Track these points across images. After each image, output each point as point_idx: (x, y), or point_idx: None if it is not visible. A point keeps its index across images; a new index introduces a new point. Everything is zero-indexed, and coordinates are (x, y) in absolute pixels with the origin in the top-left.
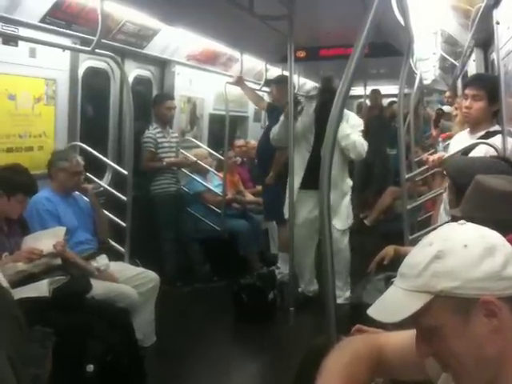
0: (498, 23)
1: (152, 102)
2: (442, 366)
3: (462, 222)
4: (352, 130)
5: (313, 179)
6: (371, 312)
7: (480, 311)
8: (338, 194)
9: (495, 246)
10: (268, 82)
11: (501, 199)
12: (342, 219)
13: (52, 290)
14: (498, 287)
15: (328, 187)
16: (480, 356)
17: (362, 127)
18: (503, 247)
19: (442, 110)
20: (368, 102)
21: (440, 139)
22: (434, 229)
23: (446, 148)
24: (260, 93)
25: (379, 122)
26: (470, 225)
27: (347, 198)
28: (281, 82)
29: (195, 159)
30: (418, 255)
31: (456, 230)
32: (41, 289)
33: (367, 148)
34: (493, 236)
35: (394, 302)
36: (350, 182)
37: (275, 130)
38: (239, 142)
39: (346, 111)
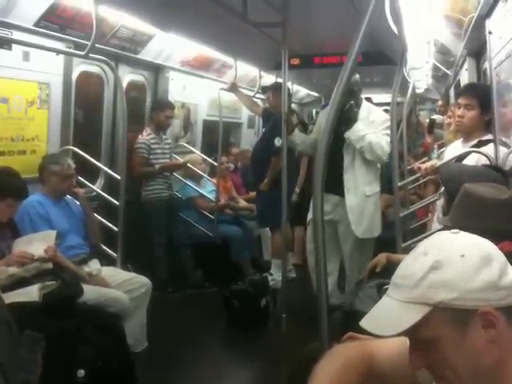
0: (490, 33)
1: (150, 108)
2: (436, 378)
3: (455, 230)
4: (370, 128)
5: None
6: (366, 325)
7: (478, 322)
8: (359, 198)
9: (491, 256)
10: (264, 89)
11: (490, 208)
12: (363, 226)
13: (42, 295)
14: (495, 297)
15: (321, 190)
16: (477, 366)
17: (386, 124)
18: (497, 256)
19: (433, 119)
20: None
21: (435, 146)
22: (427, 236)
23: (439, 156)
24: (254, 99)
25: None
26: (463, 233)
27: (371, 203)
28: (278, 89)
29: (184, 161)
30: (412, 265)
31: (451, 240)
32: (31, 294)
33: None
34: (487, 245)
35: (390, 314)
36: (376, 187)
37: (297, 140)
38: (236, 150)
39: (369, 106)
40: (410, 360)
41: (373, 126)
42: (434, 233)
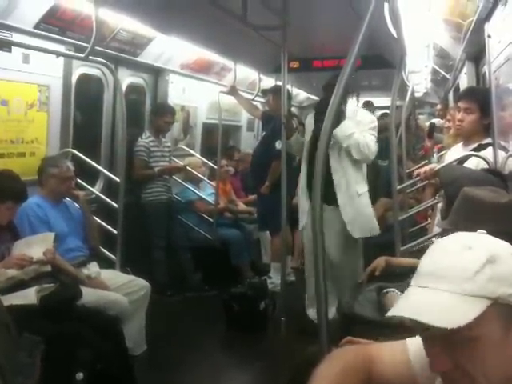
0: (489, 37)
1: (151, 111)
2: (452, 381)
3: (481, 231)
4: (358, 127)
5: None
6: (413, 315)
7: None
8: (348, 197)
9: None
10: (264, 92)
11: (490, 211)
12: (357, 225)
13: (40, 298)
14: None
15: (320, 196)
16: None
17: (372, 124)
18: None
19: (433, 123)
20: None
21: (435, 149)
22: (429, 239)
23: (439, 159)
24: (253, 102)
25: None
26: (486, 234)
27: (366, 201)
28: (278, 92)
29: (183, 164)
30: (457, 258)
31: (486, 238)
32: (28, 296)
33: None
34: None
35: (444, 305)
36: (361, 187)
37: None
38: (238, 155)
39: (354, 107)
40: (435, 360)
41: (359, 125)
42: (435, 235)
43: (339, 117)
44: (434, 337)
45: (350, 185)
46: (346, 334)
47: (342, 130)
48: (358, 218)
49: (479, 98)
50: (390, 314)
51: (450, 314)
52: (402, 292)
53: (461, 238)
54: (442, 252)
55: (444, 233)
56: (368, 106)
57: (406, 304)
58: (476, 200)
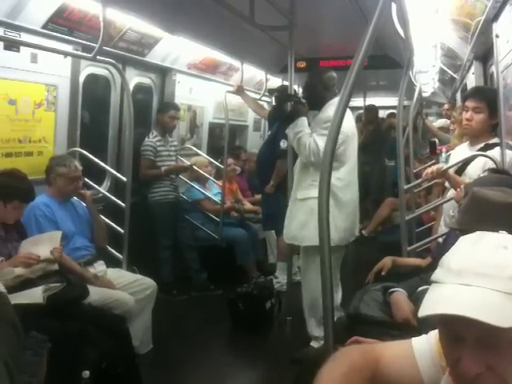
0: (497, 36)
1: (156, 110)
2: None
3: (502, 231)
4: (315, 126)
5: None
6: (465, 312)
7: None
8: (291, 201)
9: None
10: (271, 91)
11: (498, 211)
12: (291, 230)
13: (46, 297)
14: None
15: (327, 196)
16: None
17: (327, 124)
18: None
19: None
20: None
21: (444, 149)
22: (436, 239)
23: (447, 159)
24: (260, 102)
25: (375, 135)
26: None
27: (303, 208)
28: (284, 92)
29: (189, 163)
30: (495, 257)
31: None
32: (35, 295)
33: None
34: None
35: (497, 304)
36: (305, 193)
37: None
38: (245, 156)
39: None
40: (467, 361)
41: (316, 124)
42: (442, 236)
43: (290, 115)
44: (468, 338)
45: (295, 187)
46: (352, 334)
47: (291, 130)
48: (290, 223)
49: (488, 97)
50: (437, 311)
51: (504, 313)
52: (409, 292)
53: (491, 236)
54: (477, 250)
55: (451, 232)
56: (369, 109)
57: (454, 301)
58: (484, 200)
